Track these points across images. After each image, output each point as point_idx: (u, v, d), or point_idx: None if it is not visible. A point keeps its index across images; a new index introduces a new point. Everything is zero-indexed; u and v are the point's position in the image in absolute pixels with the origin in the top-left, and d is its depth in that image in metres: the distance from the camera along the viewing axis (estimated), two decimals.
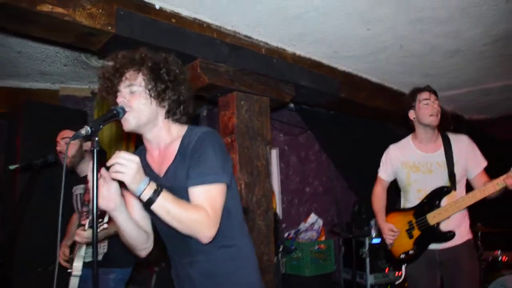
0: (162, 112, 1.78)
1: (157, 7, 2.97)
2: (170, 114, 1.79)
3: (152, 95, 1.74)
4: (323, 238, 4.83)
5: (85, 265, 2.83)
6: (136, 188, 1.51)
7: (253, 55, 3.48)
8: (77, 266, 2.78)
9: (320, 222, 4.85)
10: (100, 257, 2.89)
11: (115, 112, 1.67)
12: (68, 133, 3.00)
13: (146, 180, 1.53)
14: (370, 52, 4.03)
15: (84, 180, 3.00)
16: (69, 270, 2.83)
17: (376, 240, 4.73)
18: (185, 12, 3.10)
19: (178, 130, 1.81)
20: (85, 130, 1.51)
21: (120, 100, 1.73)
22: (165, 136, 1.80)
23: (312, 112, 5.28)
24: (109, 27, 2.69)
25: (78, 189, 3.05)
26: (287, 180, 5.26)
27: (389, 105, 4.94)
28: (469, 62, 4.38)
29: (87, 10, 2.61)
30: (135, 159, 1.50)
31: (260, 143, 3.42)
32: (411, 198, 3.07)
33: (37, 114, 3.68)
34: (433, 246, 2.93)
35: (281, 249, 4.36)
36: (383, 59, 4.21)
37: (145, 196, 1.52)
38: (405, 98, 3.17)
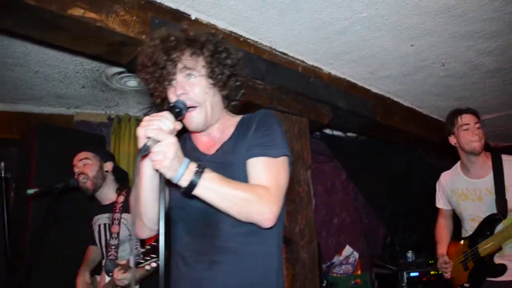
0: (220, 99, 1.55)
1: (193, 17, 2.70)
2: (229, 101, 1.58)
3: (216, 83, 1.49)
4: (358, 272, 4.41)
5: None
6: (172, 174, 1.24)
7: (291, 73, 3.19)
8: None
9: (356, 254, 4.45)
10: None
11: (177, 110, 1.35)
12: (86, 154, 2.71)
13: (185, 162, 1.26)
14: (408, 72, 3.75)
15: (109, 209, 2.63)
16: None
17: (414, 274, 4.32)
18: (221, 24, 2.83)
19: (232, 118, 1.62)
20: (151, 141, 1.18)
21: (178, 92, 1.44)
22: (221, 125, 1.58)
23: (338, 139, 4.97)
24: (143, 36, 2.39)
25: (101, 219, 2.70)
26: (314, 211, 4.86)
27: (420, 130, 4.67)
28: (508, 83, 4.11)
29: (120, 17, 2.32)
30: (173, 141, 1.22)
31: (301, 167, 3.09)
32: (467, 227, 2.81)
33: (52, 138, 3.36)
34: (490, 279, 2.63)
35: (324, 284, 3.94)
36: (419, 79, 3.93)
37: (184, 182, 1.25)
38: (445, 122, 2.91)
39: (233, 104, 1.59)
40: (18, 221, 3.28)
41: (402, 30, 3.02)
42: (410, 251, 4.44)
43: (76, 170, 2.64)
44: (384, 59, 3.47)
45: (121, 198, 2.61)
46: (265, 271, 1.47)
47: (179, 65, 1.45)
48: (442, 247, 2.87)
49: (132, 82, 3.62)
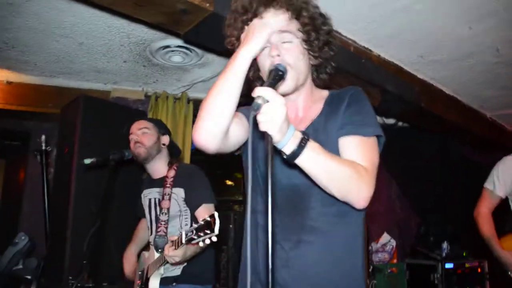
0: (310, 70, 1.48)
1: None
2: (319, 73, 1.51)
3: (310, 49, 1.41)
4: (395, 261, 4.32)
5: (161, 281, 2.42)
6: (280, 138, 1.15)
7: (345, 53, 3.09)
8: (154, 285, 2.36)
9: (393, 242, 4.36)
10: (178, 271, 2.45)
11: (280, 72, 1.28)
12: (145, 124, 2.61)
13: (292, 128, 1.19)
14: (458, 57, 3.62)
15: (160, 183, 2.56)
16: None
17: (449, 265, 4.22)
18: None
19: (319, 93, 1.55)
20: (262, 99, 1.10)
21: (273, 53, 1.36)
22: (307, 97, 1.51)
23: None
24: (207, 4, 2.29)
25: (151, 193, 2.62)
26: None
27: (460, 120, 4.54)
28: None
29: None
30: (283, 101, 1.12)
31: None
32: None
33: (95, 110, 3.29)
34: None
35: (370, 269, 3.86)
36: (467, 66, 3.80)
37: (289, 148, 1.18)
38: None
39: (322, 77, 1.52)
40: (59, 195, 3.25)
41: (464, 10, 2.89)
42: (445, 242, 4.33)
43: (133, 137, 2.55)
44: (438, 42, 3.34)
45: (172, 173, 2.53)
46: (351, 252, 1.40)
47: (274, 20, 1.36)
48: (498, 243, 2.75)
49: (177, 58, 3.53)
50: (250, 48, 1.30)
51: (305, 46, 1.40)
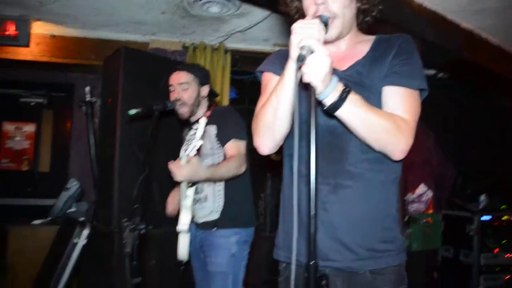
0: (356, 13, 1.47)
1: None
2: (365, 16, 1.50)
3: None
4: (430, 211, 4.36)
5: (200, 226, 2.52)
6: (323, 89, 1.18)
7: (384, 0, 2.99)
8: (184, 220, 2.43)
9: (429, 193, 4.39)
10: (216, 215, 2.48)
11: (323, 20, 1.26)
12: (186, 77, 2.60)
13: (335, 80, 1.21)
14: (508, 5, 3.44)
15: (195, 123, 2.64)
16: (177, 229, 2.49)
17: (486, 217, 4.23)
18: None
19: (365, 37, 1.53)
20: (306, 50, 1.12)
21: (319, 1, 1.36)
22: (351, 39, 1.50)
23: None
24: None
25: (188, 135, 2.72)
26: None
27: (507, 71, 4.35)
28: None
29: None
30: (328, 52, 1.14)
31: None
32: None
33: (136, 61, 3.35)
34: None
35: (406, 218, 3.94)
36: None
37: (330, 100, 1.22)
38: None
39: (366, 20, 1.50)
40: (105, 143, 3.41)
41: None
42: (483, 195, 4.32)
43: (174, 93, 2.59)
44: None
45: (207, 113, 2.59)
46: (386, 199, 1.44)
47: None
48: None
49: (214, 8, 3.54)
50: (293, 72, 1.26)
51: None
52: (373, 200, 1.41)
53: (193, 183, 2.43)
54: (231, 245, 2.45)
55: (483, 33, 4.04)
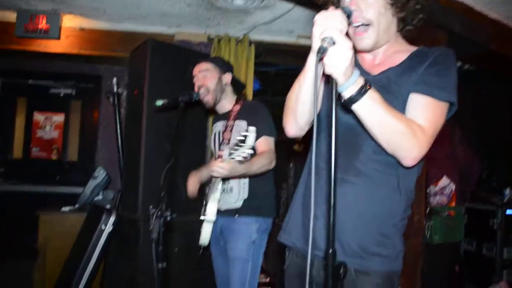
0: (395, 22, 1.43)
1: None
2: (405, 25, 1.45)
3: (394, 3, 1.37)
4: (453, 204, 4.32)
5: (222, 213, 2.57)
6: (344, 81, 1.18)
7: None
8: (211, 210, 2.48)
9: (452, 186, 4.35)
10: (239, 203, 2.56)
11: (346, 11, 1.23)
12: (206, 65, 2.68)
13: (356, 74, 1.21)
14: None
15: (225, 117, 2.70)
16: (202, 217, 2.56)
17: (511, 211, 4.16)
18: None
19: (406, 46, 1.50)
20: (328, 42, 1.12)
21: (352, 8, 1.34)
22: (389, 47, 1.48)
23: None
24: None
25: (217, 127, 2.76)
26: None
27: None
28: None
29: None
30: (350, 45, 1.13)
31: None
32: None
33: (162, 53, 3.42)
34: None
35: (427, 210, 3.92)
36: None
37: (348, 93, 1.22)
38: None
39: (408, 28, 1.47)
40: (132, 133, 3.49)
41: None
42: (508, 188, 4.24)
43: (196, 82, 2.66)
44: None
45: (237, 107, 2.63)
46: (392, 205, 1.42)
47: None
48: None
49: (239, 1, 3.56)
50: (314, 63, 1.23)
51: (389, 1, 1.37)
52: (375, 202, 1.40)
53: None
54: (252, 233, 2.51)
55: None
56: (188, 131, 3.28)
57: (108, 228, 3.15)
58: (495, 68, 4.40)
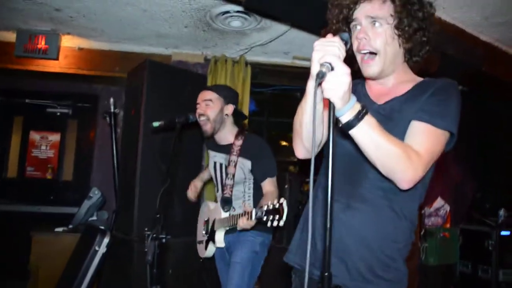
0: (402, 53, 1.47)
1: None
2: (411, 56, 1.48)
3: (401, 35, 1.40)
4: (448, 225, 4.30)
5: (228, 231, 2.66)
6: (341, 106, 1.20)
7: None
8: (220, 238, 2.61)
9: (447, 207, 4.34)
10: None
11: (343, 41, 1.25)
12: (210, 95, 2.68)
13: (353, 99, 1.23)
14: None
15: (226, 149, 2.71)
16: (211, 246, 2.68)
17: (505, 232, 4.14)
18: None
19: (412, 75, 1.54)
20: (327, 67, 1.14)
21: (360, 35, 1.41)
22: (397, 77, 1.52)
23: None
24: None
25: (217, 157, 2.78)
26: None
27: None
28: None
29: None
30: (348, 71, 1.16)
31: None
32: None
33: (159, 74, 3.44)
34: None
35: (422, 232, 3.90)
36: None
37: (346, 118, 1.24)
38: None
39: (414, 60, 1.50)
40: (128, 153, 3.47)
41: None
42: (502, 209, 4.23)
43: (198, 109, 2.67)
44: (503, 2, 3.17)
45: (239, 142, 2.64)
46: (396, 230, 1.44)
47: (367, 8, 1.40)
48: None
49: (236, 23, 3.59)
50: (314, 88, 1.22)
51: (396, 32, 1.40)
52: (380, 227, 1.43)
53: (228, 209, 2.62)
54: (256, 245, 2.61)
55: (503, 46, 4.01)
56: (184, 152, 3.27)
57: (102, 249, 3.10)
58: (488, 89, 4.44)
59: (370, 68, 1.43)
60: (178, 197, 2.94)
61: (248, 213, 2.27)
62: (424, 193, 1.49)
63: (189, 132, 3.05)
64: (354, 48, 1.44)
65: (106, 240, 3.13)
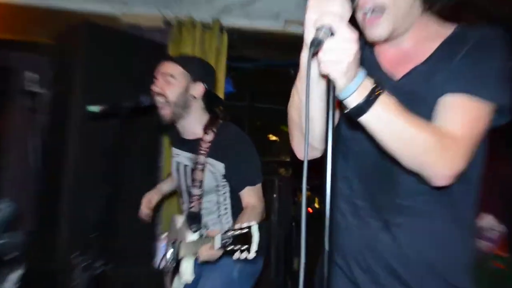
0: (418, 1, 1.45)
1: None
2: (431, 4, 1.47)
3: None
4: (502, 253, 4.33)
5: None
6: (345, 85, 1.17)
7: None
8: (188, 270, 2.57)
9: (500, 229, 4.34)
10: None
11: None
12: (172, 69, 2.65)
13: (362, 74, 1.20)
14: None
15: (192, 147, 2.69)
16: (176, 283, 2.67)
17: None
18: None
19: (438, 28, 1.51)
20: (324, 32, 1.14)
21: None
22: (417, 32, 1.50)
23: None
24: None
25: (180, 157, 2.78)
26: None
27: None
28: None
29: None
30: (354, 36, 1.12)
31: None
32: None
33: (102, 41, 3.44)
34: None
35: None
36: None
37: (353, 101, 1.21)
38: None
39: (434, 9, 1.50)
40: (54, 151, 3.45)
41: None
42: None
43: (154, 87, 2.63)
44: None
45: (210, 136, 2.63)
46: (456, 241, 1.47)
47: None
48: None
49: None
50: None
51: None
52: (435, 243, 1.45)
53: (197, 229, 2.59)
54: (233, 271, 2.61)
55: None
56: (135, 148, 3.27)
57: (11, 286, 3.08)
58: None
59: (375, 30, 1.41)
60: (125, 210, 2.93)
61: (212, 237, 2.27)
62: (477, 182, 1.47)
63: (143, 120, 3.04)
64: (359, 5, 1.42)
65: (16, 274, 3.10)
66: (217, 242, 2.20)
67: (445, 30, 1.48)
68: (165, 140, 3.75)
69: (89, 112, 2.43)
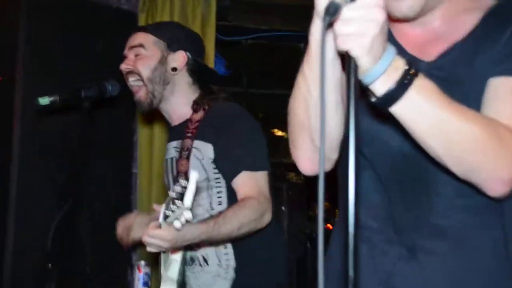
0: None
1: None
2: None
3: None
4: None
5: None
6: (370, 65, 1.12)
7: None
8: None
9: None
10: (225, 284, 2.59)
11: None
12: (142, 38, 2.64)
13: (391, 51, 1.17)
14: None
15: (179, 132, 2.65)
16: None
17: None
18: None
19: (473, 2, 1.52)
20: None
21: None
22: (450, 6, 1.50)
23: None
24: None
25: (170, 151, 2.76)
26: None
27: None
28: None
29: None
30: (379, 2, 1.09)
31: None
32: None
33: (51, 9, 3.43)
34: None
35: None
36: None
37: (381, 86, 1.17)
38: None
39: None
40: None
41: None
42: None
43: (123, 65, 2.62)
44: None
45: (199, 115, 2.59)
46: (504, 279, 1.44)
47: None
48: None
49: None
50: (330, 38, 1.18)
51: None
52: (476, 278, 1.42)
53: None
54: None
55: None
56: (101, 148, 3.26)
57: None
58: None
59: (403, 2, 1.39)
60: (91, 227, 2.94)
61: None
62: None
63: (112, 112, 3.04)
64: None
65: None
66: (161, 216, 2.16)
67: (485, 2, 1.49)
68: (142, 138, 3.75)
69: (39, 104, 2.42)
